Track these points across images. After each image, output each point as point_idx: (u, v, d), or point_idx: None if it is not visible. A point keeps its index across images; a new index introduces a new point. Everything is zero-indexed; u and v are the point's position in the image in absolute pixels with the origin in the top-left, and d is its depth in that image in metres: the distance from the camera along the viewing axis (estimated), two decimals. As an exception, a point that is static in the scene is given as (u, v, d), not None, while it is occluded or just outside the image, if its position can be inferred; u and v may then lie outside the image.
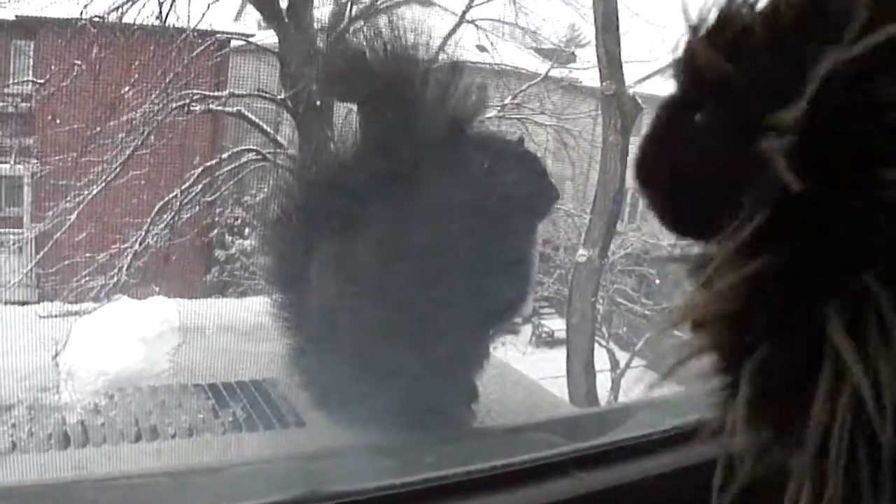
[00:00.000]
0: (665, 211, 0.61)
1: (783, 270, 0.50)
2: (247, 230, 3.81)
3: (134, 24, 3.33)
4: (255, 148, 3.70)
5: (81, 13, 3.21)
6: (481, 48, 3.96)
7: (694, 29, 0.56)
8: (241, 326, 1.73)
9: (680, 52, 0.57)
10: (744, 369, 0.51)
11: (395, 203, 1.19)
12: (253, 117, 3.62)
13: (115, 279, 3.46)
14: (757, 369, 0.50)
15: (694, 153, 0.57)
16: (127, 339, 1.61)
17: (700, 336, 0.55)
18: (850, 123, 0.47)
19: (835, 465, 0.46)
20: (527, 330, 5.19)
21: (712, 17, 0.55)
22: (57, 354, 1.56)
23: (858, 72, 0.46)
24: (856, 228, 0.47)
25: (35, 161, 3.32)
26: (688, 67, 0.57)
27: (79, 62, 3.21)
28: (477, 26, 4.37)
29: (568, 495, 0.97)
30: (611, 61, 4.16)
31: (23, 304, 3.02)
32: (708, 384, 0.56)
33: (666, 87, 0.61)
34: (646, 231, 5.04)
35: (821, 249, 0.48)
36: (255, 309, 1.53)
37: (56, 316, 2.08)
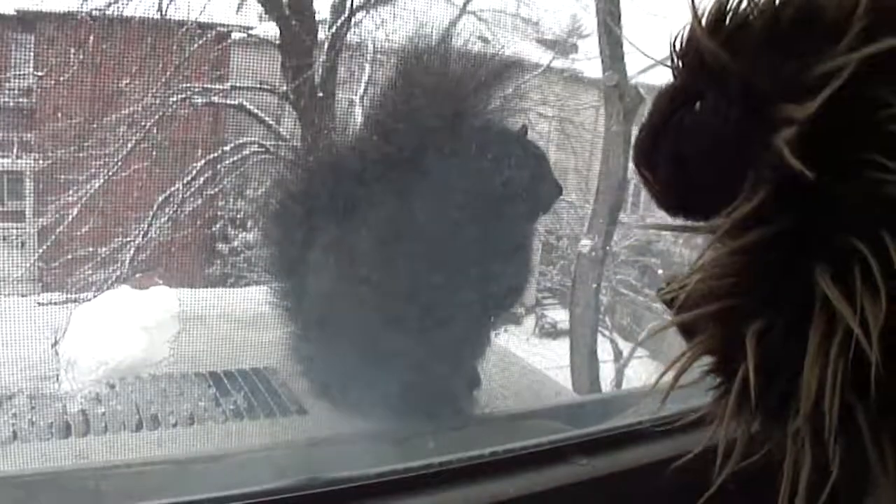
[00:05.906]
0: (664, 192, 0.65)
1: (777, 241, 0.54)
2: (249, 223, 3.79)
3: (134, 16, 3.31)
4: (257, 140, 3.68)
5: (81, 6, 3.19)
6: (483, 39, 3.94)
7: (695, 21, 0.59)
8: (243, 315, 1.73)
9: (679, 43, 0.62)
10: (737, 366, 0.54)
11: (397, 189, 1.19)
12: (255, 109, 3.60)
13: (119, 273, 3.45)
14: (753, 354, 0.53)
15: (695, 139, 0.61)
16: (128, 328, 1.60)
17: (694, 342, 0.59)
18: (850, 118, 0.52)
19: (829, 421, 0.50)
20: (530, 321, 5.18)
21: (712, 10, 0.59)
22: (56, 343, 1.56)
23: (858, 73, 0.51)
24: (843, 202, 0.52)
25: (36, 155, 3.30)
26: (689, 58, 0.61)
27: (79, 56, 3.20)
28: (478, 17, 4.34)
29: (570, 481, 0.97)
30: (612, 52, 4.13)
31: (25, 297, 3.02)
32: (703, 382, 0.60)
33: (668, 77, 0.66)
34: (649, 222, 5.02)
35: (811, 221, 0.53)
36: (255, 298, 1.53)
37: (55, 304, 2.07)
